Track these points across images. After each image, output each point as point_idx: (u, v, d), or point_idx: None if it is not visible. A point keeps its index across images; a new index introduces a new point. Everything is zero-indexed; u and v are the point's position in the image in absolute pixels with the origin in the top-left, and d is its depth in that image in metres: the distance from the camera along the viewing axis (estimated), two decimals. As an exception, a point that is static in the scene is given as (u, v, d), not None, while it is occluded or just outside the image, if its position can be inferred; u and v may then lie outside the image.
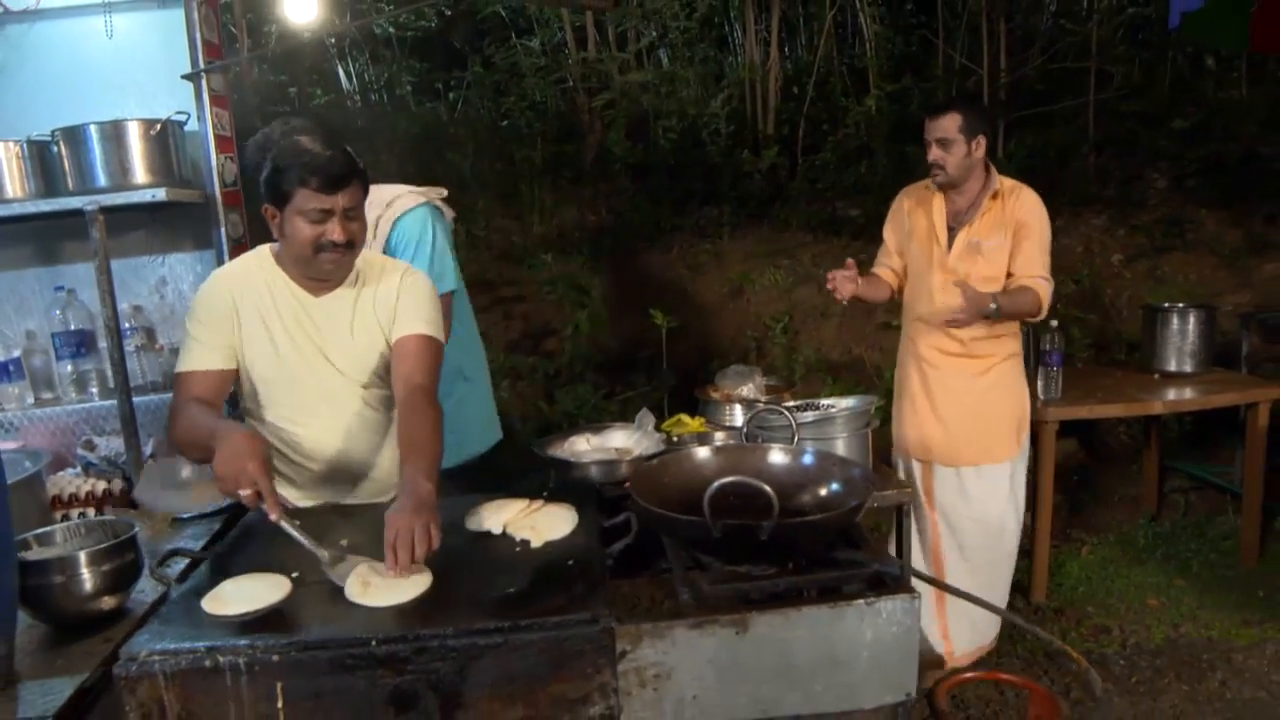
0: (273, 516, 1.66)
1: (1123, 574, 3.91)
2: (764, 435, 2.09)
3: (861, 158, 5.60)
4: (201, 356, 2.07)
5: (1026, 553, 3.96)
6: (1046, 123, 6.46)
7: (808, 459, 1.69)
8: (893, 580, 1.44)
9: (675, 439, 2.47)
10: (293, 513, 1.93)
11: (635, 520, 1.59)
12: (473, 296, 2.40)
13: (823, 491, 1.63)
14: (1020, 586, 3.78)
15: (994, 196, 3.01)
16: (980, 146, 2.97)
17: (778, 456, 1.72)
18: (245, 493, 1.67)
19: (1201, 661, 3.24)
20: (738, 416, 2.64)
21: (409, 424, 1.91)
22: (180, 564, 1.84)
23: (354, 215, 2.02)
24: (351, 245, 2.04)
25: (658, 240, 5.28)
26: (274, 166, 1.97)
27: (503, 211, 5.53)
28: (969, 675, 1.97)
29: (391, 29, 7.66)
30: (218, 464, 1.70)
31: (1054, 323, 3.67)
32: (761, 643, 1.36)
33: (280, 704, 1.31)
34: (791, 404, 2.30)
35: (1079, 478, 4.66)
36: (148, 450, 2.90)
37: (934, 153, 2.99)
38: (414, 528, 1.54)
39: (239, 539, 1.75)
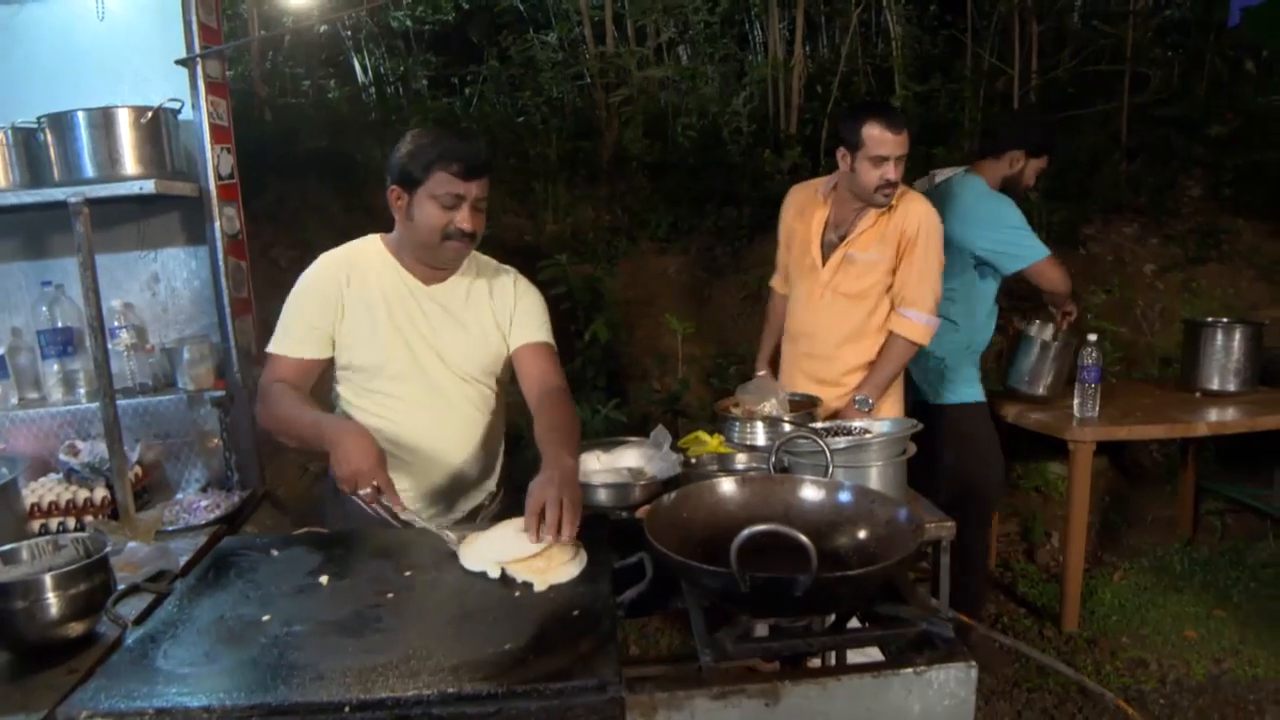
0: (398, 510, 1.70)
1: (1158, 602, 3.71)
2: (793, 461, 1.91)
3: (886, 160, 5.40)
4: (299, 343, 2.06)
5: (1057, 578, 3.78)
6: (1077, 126, 6.26)
7: (845, 496, 1.51)
8: (944, 643, 1.26)
9: (693, 460, 2.29)
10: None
11: (650, 563, 1.41)
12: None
13: (862, 534, 1.44)
14: (1051, 614, 3.60)
15: (886, 210, 2.80)
16: (846, 159, 2.76)
17: (811, 493, 1.54)
18: (365, 491, 1.71)
19: (1248, 703, 3.04)
20: (759, 434, 2.46)
21: (550, 413, 1.99)
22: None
23: (481, 206, 2.05)
24: (475, 236, 2.05)
25: (675, 241, 5.10)
26: (412, 148, 1.97)
27: (516, 209, 5.36)
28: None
29: (409, 22, 7.55)
30: (338, 464, 1.74)
31: (1092, 336, 3.47)
32: (795, 715, 1.18)
33: (241, 774, 1.14)
34: (822, 426, 2.12)
35: (1110, 498, 4.45)
36: (134, 456, 2.75)
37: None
38: (561, 498, 1.57)
39: (209, 571, 1.58)
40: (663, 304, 4.65)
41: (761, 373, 3.09)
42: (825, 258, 2.86)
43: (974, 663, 1.22)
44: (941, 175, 3.51)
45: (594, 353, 4.25)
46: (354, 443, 1.75)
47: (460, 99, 7.09)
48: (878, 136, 2.66)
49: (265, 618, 1.38)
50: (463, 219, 1.98)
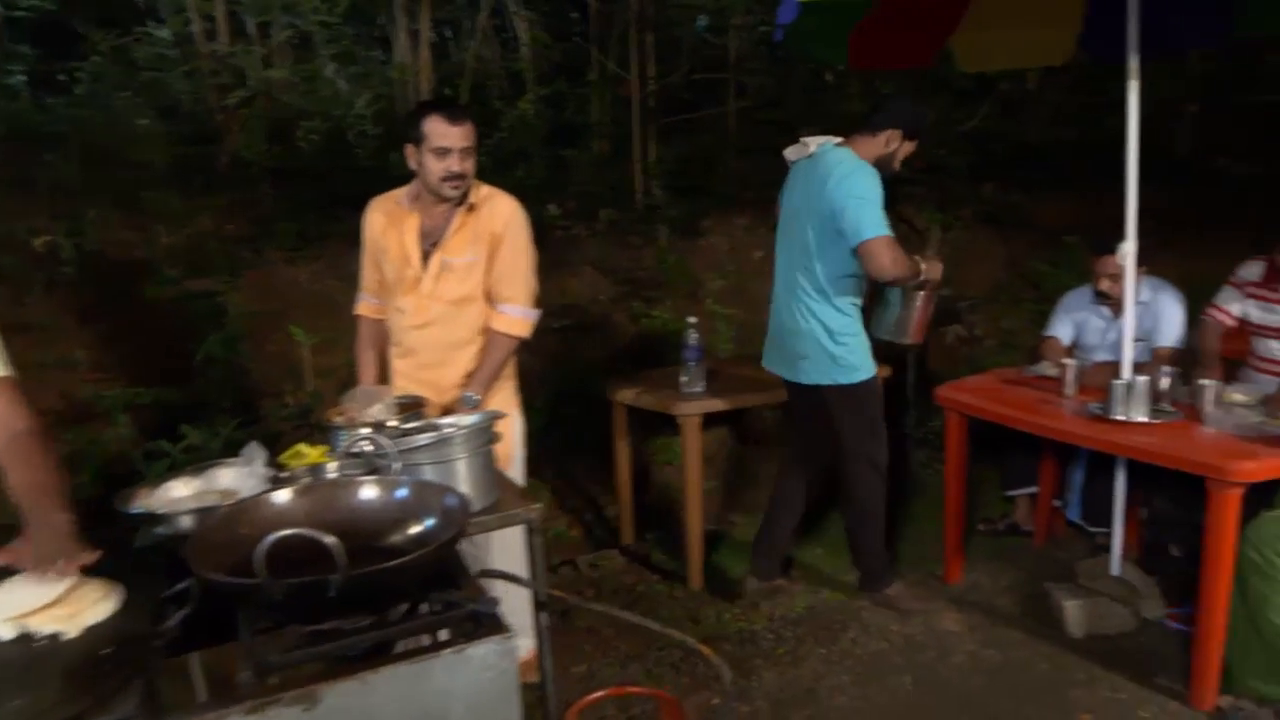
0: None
1: (772, 551, 4.19)
2: (381, 464, 1.94)
3: (518, 161, 5.59)
4: None
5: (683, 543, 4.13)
6: (693, 129, 6.87)
7: (402, 492, 1.57)
8: (487, 620, 1.35)
9: (290, 473, 2.24)
10: None
11: (197, 588, 1.37)
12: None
13: (417, 528, 1.51)
14: (679, 576, 3.94)
15: (469, 209, 2.82)
16: (414, 155, 2.77)
17: (371, 493, 1.58)
18: None
19: (835, 624, 3.54)
20: (364, 441, 2.45)
21: (24, 464, 1.71)
22: None
23: None
24: None
25: (304, 250, 4.90)
26: None
27: (121, 222, 4.86)
28: (597, 695, 1.95)
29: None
30: None
31: (692, 319, 3.86)
32: (338, 715, 1.21)
33: None
34: (411, 425, 2.16)
35: (730, 464, 4.95)
36: None
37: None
38: (58, 557, 1.46)
39: None
40: (294, 316, 4.45)
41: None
42: (425, 268, 2.83)
43: (510, 634, 1.32)
44: (815, 143, 3.42)
45: (214, 373, 3.98)
46: None
47: (68, 98, 6.30)
48: (438, 129, 2.68)
49: None
50: None
